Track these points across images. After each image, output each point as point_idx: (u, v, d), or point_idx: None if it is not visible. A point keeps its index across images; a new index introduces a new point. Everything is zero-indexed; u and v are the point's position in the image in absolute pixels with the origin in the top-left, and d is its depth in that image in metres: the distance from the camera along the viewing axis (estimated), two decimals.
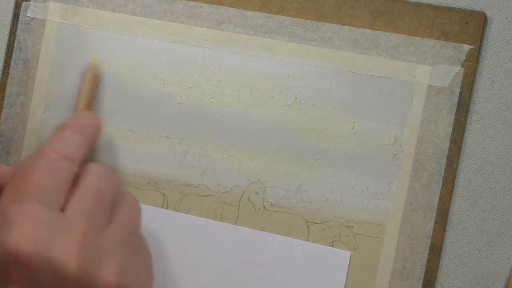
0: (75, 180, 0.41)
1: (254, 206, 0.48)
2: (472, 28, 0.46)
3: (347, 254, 0.47)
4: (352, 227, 0.47)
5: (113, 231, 0.40)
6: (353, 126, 0.47)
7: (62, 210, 0.39)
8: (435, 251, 0.46)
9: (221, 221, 0.48)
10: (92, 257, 0.38)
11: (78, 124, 0.44)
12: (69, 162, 0.41)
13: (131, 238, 0.41)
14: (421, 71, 0.46)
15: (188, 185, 0.49)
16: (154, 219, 0.49)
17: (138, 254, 0.42)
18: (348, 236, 0.47)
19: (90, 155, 0.45)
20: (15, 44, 0.52)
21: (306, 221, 0.47)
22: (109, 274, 0.38)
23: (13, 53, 0.52)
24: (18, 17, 0.52)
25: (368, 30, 0.47)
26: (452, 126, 0.46)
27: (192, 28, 0.50)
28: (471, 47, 0.46)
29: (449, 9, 0.46)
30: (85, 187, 0.41)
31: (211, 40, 0.49)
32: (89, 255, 0.38)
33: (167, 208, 0.49)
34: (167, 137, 0.49)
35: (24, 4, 0.52)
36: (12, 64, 0.52)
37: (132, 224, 0.42)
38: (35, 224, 0.38)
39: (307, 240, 0.47)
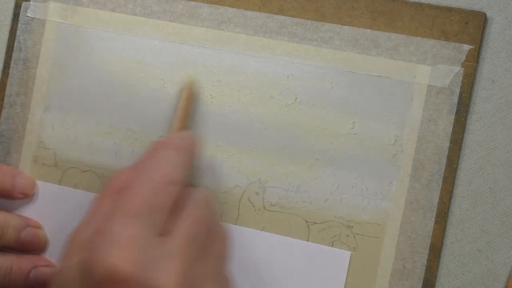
0: (176, 204, 0.41)
1: (254, 206, 0.48)
2: (472, 28, 0.46)
3: (347, 254, 0.47)
4: (352, 227, 0.47)
5: (209, 260, 0.40)
6: (353, 126, 0.47)
7: (162, 234, 0.39)
8: (435, 251, 0.46)
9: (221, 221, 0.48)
10: (191, 286, 0.38)
11: (179, 145, 0.43)
12: (173, 186, 0.41)
13: (223, 268, 0.42)
14: (421, 71, 0.46)
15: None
16: None
17: (227, 285, 0.42)
18: (348, 236, 0.47)
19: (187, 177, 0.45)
20: (15, 44, 0.52)
21: (306, 221, 0.47)
22: None
23: (13, 53, 0.52)
24: (18, 17, 0.52)
25: (368, 30, 0.47)
26: (452, 126, 0.46)
27: (192, 28, 0.50)
28: (471, 47, 0.46)
29: (449, 9, 0.46)
30: (188, 215, 0.40)
31: (211, 40, 0.49)
32: (188, 283, 0.38)
33: None
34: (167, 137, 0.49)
35: (24, 4, 0.52)
36: (12, 64, 0.52)
37: (225, 255, 0.42)
38: (138, 247, 0.37)
39: (307, 240, 0.47)
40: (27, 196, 0.50)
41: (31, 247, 0.50)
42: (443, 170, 0.46)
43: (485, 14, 0.46)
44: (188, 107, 0.48)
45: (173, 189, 0.40)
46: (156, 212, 0.39)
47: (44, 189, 0.51)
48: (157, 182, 0.40)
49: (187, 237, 0.39)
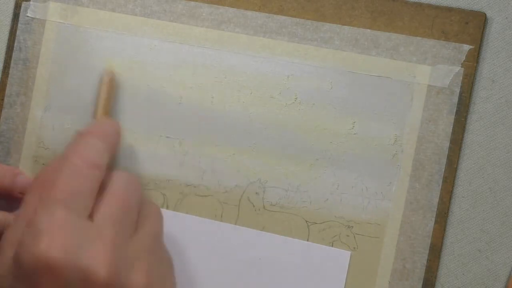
0: (101, 187, 0.41)
1: (254, 206, 0.48)
2: (472, 28, 0.46)
3: (347, 254, 0.47)
4: (352, 227, 0.47)
5: (139, 238, 0.41)
6: (353, 126, 0.47)
7: (89, 217, 0.39)
8: (435, 251, 0.46)
9: (221, 221, 0.48)
10: (122, 265, 0.38)
11: (100, 131, 0.44)
12: (95, 170, 0.41)
13: (156, 245, 0.42)
14: (421, 71, 0.46)
15: (188, 185, 0.49)
16: None
17: (163, 261, 0.42)
18: (348, 236, 0.47)
19: (111, 162, 0.45)
20: (15, 44, 0.52)
21: (306, 221, 0.47)
22: (138, 281, 0.39)
23: (13, 53, 0.52)
24: (18, 17, 0.52)
25: (368, 30, 0.47)
26: (452, 126, 0.46)
27: (192, 28, 0.50)
28: (471, 47, 0.46)
29: (449, 9, 0.46)
30: (112, 195, 0.41)
31: (211, 40, 0.49)
32: (119, 263, 0.38)
33: (167, 208, 0.49)
34: (167, 137, 0.49)
35: (24, 4, 0.52)
36: (12, 64, 0.52)
37: (156, 231, 0.43)
38: (65, 233, 0.38)
39: (307, 240, 0.47)
40: None
41: None
42: (443, 170, 0.46)
43: (485, 14, 0.46)
44: (110, 93, 0.49)
45: (96, 173, 0.41)
46: (80, 196, 0.39)
47: None
48: (79, 166, 0.40)
49: (113, 217, 0.39)
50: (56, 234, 0.37)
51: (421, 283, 0.46)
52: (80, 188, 0.40)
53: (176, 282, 0.44)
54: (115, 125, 0.47)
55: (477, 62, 0.46)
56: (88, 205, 0.40)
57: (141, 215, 0.42)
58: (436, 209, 0.46)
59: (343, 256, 0.47)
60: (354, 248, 0.47)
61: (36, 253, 0.37)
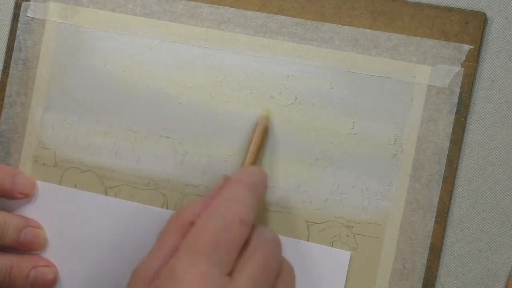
0: (244, 244, 0.40)
1: None
2: (472, 28, 0.46)
3: (347, 254, 0.47)
4: (352, 227, 0.47)
5: None
6: (353, 126, 0.47)
7: (230, 274, 0.39)
8: (435, 251, 0.46)
9: None
10: None
11: (251, 181, 0.42)
12: (243, 226, 0.40)
13: None
14: (421, 71, 0.46)
15: (188, 185, 0.49)
16: (154, 219, 0.49)
17: None
18: (348, 236, 0.47)
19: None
20: (15, 44, 0.52)
21: (306, 221, 0.47)
22: None
23: (13, 53, 0.52)
24: (18, 17, 0.52)
25: (368, 30, 0.47)
26: (452, 126, 0.46)
27: (192, 28, 0.50)
28: (471, 47, 0.46)
29: (449, 9, 0.46)
30: (255, 254, 0.40)
31: (211, 40, 0.49)
32: None
33: (167, 208, 0.49)
34: (167, 137, 0.49)
35: (24, 4, 0.52)
36: (12, 64, 0.52)
37: (289, 284, 0.42)
38: (204, 286, 0.37)
39: (307, 240, 0.47)
40: (27, 196, 0.50)
41: (31, 247, 0.50)
42: (443, 170, 0.46)
43: (485, 14, 0.46)
44: (262, 141, 0.47)
45: (243, 229, 0.40)
46: (225, 251, 0.38)
47: (44, 189, 0.51)
48: (228, 220, 0.39)
49: (253, 279, 0.38)
50: (195, 286, 0.37)
51: (421, 283, 0.46)
52: (226, 244, 0.39)
53: None
54: (263, 175, 0.44)
55: (477, 62, 0.46)
56: (230, 260, 0.39)
57: (279, 276, 0.41)
58: (436, 209, 0.46)
59: (343, 256, 0.47)
60: (354, 248, 0.47)
61: None
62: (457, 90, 0.46)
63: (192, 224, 0.40)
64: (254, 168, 0.45)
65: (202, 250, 0.38)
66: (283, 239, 0.47)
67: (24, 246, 0.49)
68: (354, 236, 0.47)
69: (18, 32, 0.52)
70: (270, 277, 0.40)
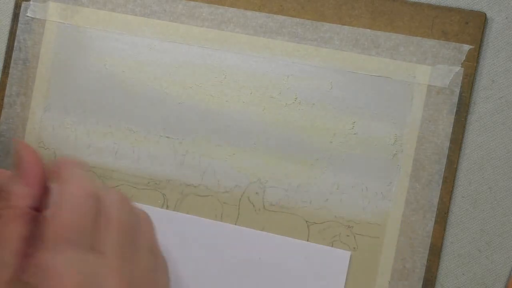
0: (96, 212, 0.41)
1: (254, 206, 0.48)
2: (472, 28, 0.46)
3: (347, 254, 0.47)
4: (352, 227, 0.47)
5: (141, 257, 0.40)
6: (353, 126, 0.47)
7: (93, 248, 0.39)
8: (435, 251, 0.46)
9: (221, 221, 0.48)
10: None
11: (73, 160, 0.43)
12: (91, 198, 0.40)
13: (156, 258, 0.42)
14: (421, 71, 0.46)
15: (188, 185, 0.49)
16: (154, 219, 0.49)
17: (162, 269, 0.42)
18: (348, 236, 0.47)
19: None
20: (15, 44, 0.52)
21: (306, 221, 0.47)
22: None
23: (13, 53, 0.52)
24: (18, 17, 0.52)
25: (368, 30, 0.47)
26: (452, 126, 0.46)
27: (192, 28, 0.50)
28: (471, 47, 0.46)
29: (449, 9, 0.46)
30: (108, 219, 0.40)
31: (211, 40, 0.49)
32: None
33: (167, 208, 0.49)
34: (167, 137, 0.49)
35: (24, 4, 0.52)
36: (12, 64, 0.52)
37: (152, 242, 0.42)
38: (75, 271, 0.37)
39: (307, 240, 0.47)
40: None
41: None
42: (443, 170, 0.46)
43: (485, 14, 0.46)
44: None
45: (91, 201, 0.40)
46: (83, 229, 0.39)
47: None
48: (76, 199, 0.39)
49: (117, 242, 0.39)
50: (67, 273, 0.37)
51: (421, 283, 0.46)
52: (82, 222, 0.39)
53: (170, 280, 0.44)
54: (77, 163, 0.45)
55: (477, 62, 0.46)
56: (91, 237, 0.39)
57: (137, 230, 0.42)
58: (436, 209, 0.46)
59: (343, 256, 0.47)
60: (354, 248, 0.47)
61: None
62: (457, 90, 0.46)
63: (32, 208, 0.40)
64: (68, 159, 0.45)
65: (63, 236, 0.38)
66: (283, 239, 0.48)
67: None
68: (354, 236, 0.47)
69: (18, 32, 0.52)
70: (131, 233, 0.41)
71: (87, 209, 0.40)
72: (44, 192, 0.42)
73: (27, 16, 0.52)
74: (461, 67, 0.46)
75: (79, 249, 0.38)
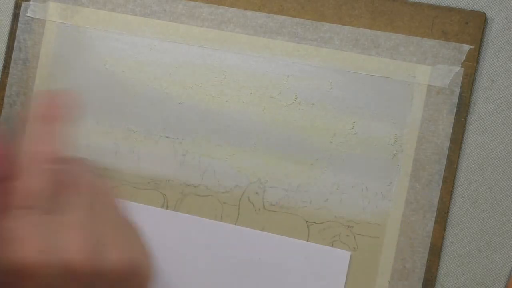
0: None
1: (254, 206, 0.48)
2: (472, 28, 0.46)
3: (347, 254, 0.47)
4: (352, 227, 0.47)
5: (105, 214, 0.40)
6: (353, 126, 0.47)
7: (54, 210, 0.39)
8: (435, 251, 0.46)
9: (221, 221, 0.48)
10: (95, 246, 0.38)
11: (47, 112, 0.41)
12: (57, 164, 0.40)
13: (119, 213, 0.42)
14: (421, 71, 0.46)
15: (188, 185, 0.49)
16: (154, 219, 0.49)
17: (130, 229, 0.42)
18: (348, 236, 0.47)
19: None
20: (15, 44, 0.52)
21: (306, 221, 0.47)
22: (114, 256, 0.39)
23: (13, 53, 0.52)
24: (18, 17, 0.52)
25: (368, 30, 0.47)
26: (452, 126, 0.46)
27: (192, 28, 0.50)
28: (471, 47, 0.46)
29: (449, 9, 0.46)
30: (72, 185, 0.40)
31: (211, 40, 0.49)
32: (92, 245, 0.38)
33: (167, 208, 0.49)
34: (167, 137, 0.49)
35: (24, 4, 0.52)
36: (12, 64, 0.52)
37: (113, 199, 0.42)
38: (37, 233, 0.38)
39: (307, 240, 0.47)
40: None
41: None
42: (443, 170, 0.46)
43: (485, 14, 0.46)
44: None
45: (57, 167, 0.40)
46: (45, 194, 0.39)
47: None
48: (42, 166, 0.39)
49: (80, 205, 0.39)
50: (30, 237, 0.37)
51: (421, 283, 0.46)
52: (43, 186, 0.40)
53: (146, 245, 0.44)
54: (61, 96, 0.42)
55: (477, 62, 0.46)
56: (52, 199, 0.40)
57: (97, 192, 0.42)
58: (436, 209, 0.46)
59: (343, 256, 0.47)
60: (354, 248, 0.47)
61: (11, 261, 0.37)
62: (457, 90, 0.46)
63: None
64: (47, 93, 0.42)
65: (25, 202, 0.38)
66: (283, 239, 0.48)
67: None
68: (354, 236, 0.47)
69: (18, 32, 0.52)
70: (90, 196, 0.40)
71: (52, 175, 0.39)
72: (10, 162, 0.42)
73: (27, 16, 0.52)
74: (461, 67, 0.46)
75: (42, 212, 0.38)
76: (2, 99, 0.52)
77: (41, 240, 0.38)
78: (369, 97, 0.47)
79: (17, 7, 0.52)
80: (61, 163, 0.41)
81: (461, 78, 0.46)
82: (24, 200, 0.39)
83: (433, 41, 0.46)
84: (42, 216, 0.39)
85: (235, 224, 0.48)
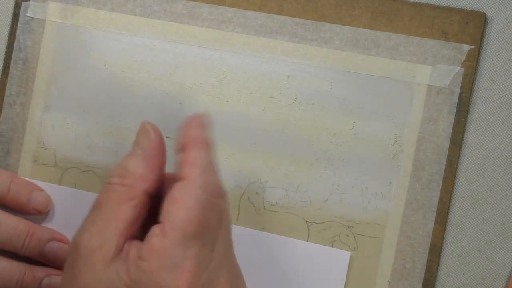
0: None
1: (254, 206, 0.48)
2: (472, 28, 0.46)
3: (347, 254, 0.47)
4: (352, 227, 0.47)
5: (232, 253, 0.40)
6: (353, 126, 0.47)
7: (212, 246, 0.39)
8: (435, 251, 0.46)
9: None
10: (235, 284, 0.39)
11: (205, 138, 0.40)
12: (222, 199, 0.39)
13: (230, 252, 0.41)
14: (421, 71, 0.46)
15: None
16: None
17: (238, 270, 0.41)
18: (348, 236, 0.47)
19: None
20: (15, 44, 0.52)
21: (306, 221, 0.47)
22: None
23: (13, 53, 0.52)
24: (18, 17, 0.52)
25: (368, 30, 0.47)
26: (452, 126, 0.46)
27: (192, 28, 0.50)
28: (471, 47, 0.46)
29: (449, 9, 0.46)
30: (223, 220, 0.40)
31: (211, 40, 0.49)
32: (234, 284, 0.39)
33: None
34: (167, 137, 0.49)
35: (24, 4, 0.52)
36: (12, 64, 0.52)
37: (229, 238, 0.41)
38: (198, 268, 0.37)
39: (307, 240, 0.47)
40: (41, 213, 0.50)
41: (55, 261, 0.49)
42: (443, 170, 0.46)
43: (485, 14, 0.46)
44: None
45: (222, 202, 0.39)
46: (212, 229, 0.38)
47: (44, 189, 0.51)
48: (210, 198, 0.38)
49: (226, 243, 0.39)
50: (191, 269, 0.37)
51: (421, 283, 0.46)
52: (212, 222, 0.38)
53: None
54: (205, 120, 0.42)
55: (477, 62, 0.46)
56: (215, 236, 0.38)
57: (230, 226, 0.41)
58: (436, 209, 0.46)
59: (343, 256, 0.47)
60: (354, 248, 0.47)
61: (165, 285, 0.36)
62: (457, 90, 0.46)
63: (146, 193, 0.39)
64: (198, 118, 0.42)
65: (193, 233, 0.37)
66: (283, 239, 0.48)
67: (48, 259, 0.48)
68: (354, 236, 0.47)
69: (18, 32, 0.52)
70: (229, 234, 0.40)
71: (217, 210, 0.39)
72: (161, 180, 0.41)
73: (27, 16, 0.52)
74: (461, 67, 0.46)
75: (204, 246, 0.37)
76: (2, 99, 0.52)
77: (203, 276, 0.37)
78: (369, 97, 0.47)
79: (17, 7, 0.52)
80: (221, 197, 0.39)
81: (461, 78, 0.46)
82: (191, 227, 0.37)
83: (433, 41, 0.46)
84: (204, 250, 0.38)
85: (235, 224, 0.48)
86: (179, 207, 0.38)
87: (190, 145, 0.40)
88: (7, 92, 0.52)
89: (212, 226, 0.38)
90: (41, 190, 0.50)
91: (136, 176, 0.40)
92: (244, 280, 0.41)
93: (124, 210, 0.39)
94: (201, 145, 0.40)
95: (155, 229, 0.38)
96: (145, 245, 0.37)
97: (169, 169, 0.45)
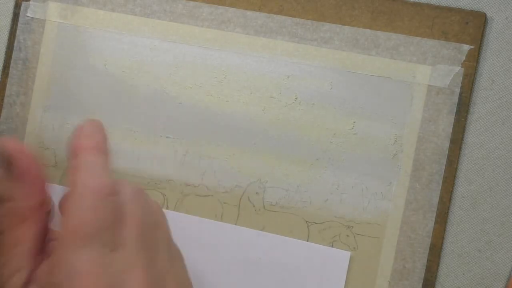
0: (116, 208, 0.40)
1: (254, 206, 0.48)
2: (472, 28, 0.46)
3: (347, 254, 0.47)
4: (352, 227, 0.47)
5: (161, 250, 0.40)
6: (353, 126, 0.47)
7: (115, 247, 0.38)
8: (435, 251, 0.46)
9: (221, 221, 0.48)
10: (156, 282, 0.38)
11: (94, 143, 0.41)
12: (110, 196, 0.39)
13: (172, 248, 0.41)
14: (421, 71, 0.46)
15: (188, 185, 0.49)
16: None
17: (179, 259, 0.42)
18: (348, 236, 0.47)
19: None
20: (15, 44, 0.52)
21: (306, 221, 0.47)
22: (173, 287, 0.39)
23: (13, 53, 0.52)
24: (18, 17, 0.52)
25: (368, 30, 0.47)
26: (452, 126, 0.46)
27: (192, 28, 0.50)
28: (471, 47, 0.46)
29: (449, 9, 0.46)
30: (126, 216, 0.39)
31: (211, 40, 0.49)
32: (154, 282, 0.38)
33: (167, 208, 0.49)
34: (167, 137, 0.49)
35: (24, 4, 0.52)
36: (12, 64, 0.52)
37: (167, 234, 0.42)
38: (99, 271, 0.37)
39: (307, 240, 0.47)
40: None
41: None
42: (443, 170, 0.46)
43: (485, 14, 0.46)
44: None
45: (112, 198, 0.39)
46: (103, 226, 0.38)
47: None
48: (96, 199, 0.38)
49: (137, 240, 0.38)
50: (91, 274, 0.36)
51: (421, 283, 0.46)
52: (101, 221, 0.38)
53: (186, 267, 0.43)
54: (99, 125, 0.43)
55: (477, 62, 0.46)
56: (111, 233, 0.38)
57: (155, 224, 0.41)
58: (436, 209, 0.46)
59: (343, 256, 0.47)
60: (354, 248, 0.47)
61: None
62: (457, 90, 0.46)
63: (36, 206, 0.40)
64: (90, 124, 0.43)
65: (86, 235, 0.37)
66: (283, 239, 0.48)
67: None
68: (354, 236, 0.47)
69: (18, 32, 0.52)
70: (149, 227, 0.40)
71: (106, 204, 0.39)
72: (43, 187, 0.41)
73: (27, 16, 0.52)
74: (461, 67, 0.46)
75: (102, 246, 0.37)
76: (2, 99, 0.52)
77: (106, 277, 0.37)
78: (369, 97, 0.47)
79: (17, 7, 0.52)
80: (112, 195, 0.40)
81: (461, 78, 0.46)
82: (83, 230, 0.37)
83: (433, 41, 0.46)
84: (104, 250, 0.38)
85: (235, 224, 0.48)
86: (69, 213, 0.38)
87: (78, 152, 0.40)
88: (7, 92, 0.52)
89: (108, 225, 0.38)
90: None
91: (20, 197, 0.40)
92: (189, 277, 0.41)
93: (22, 232, 0.39)
94: (90, 151, 0.40)
95: (54, 242, 0.38)
96: (50, 260, 0.38)
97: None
